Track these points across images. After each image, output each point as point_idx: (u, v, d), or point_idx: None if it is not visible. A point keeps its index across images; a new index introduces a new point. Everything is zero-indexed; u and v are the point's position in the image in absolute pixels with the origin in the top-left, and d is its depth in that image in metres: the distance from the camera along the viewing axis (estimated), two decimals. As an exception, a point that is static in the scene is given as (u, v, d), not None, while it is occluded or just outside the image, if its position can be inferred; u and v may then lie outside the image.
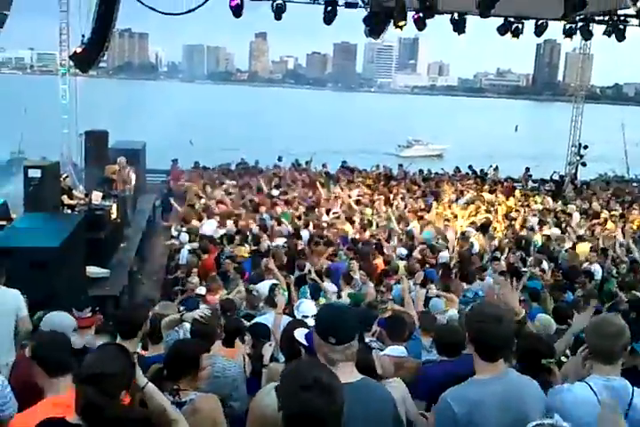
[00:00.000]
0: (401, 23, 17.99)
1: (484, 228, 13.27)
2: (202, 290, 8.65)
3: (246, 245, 11.09)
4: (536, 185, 21.23)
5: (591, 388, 2.88)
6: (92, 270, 9.62)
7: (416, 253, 10.95)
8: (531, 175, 22.75)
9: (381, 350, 4.66)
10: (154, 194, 18.07)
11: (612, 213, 16.05)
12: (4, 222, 11.10)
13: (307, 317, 5.76)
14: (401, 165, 22.27)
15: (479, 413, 2.70)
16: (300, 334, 4.57)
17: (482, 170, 22.71)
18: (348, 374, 2.61)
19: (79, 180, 16.16)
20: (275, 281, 8.14)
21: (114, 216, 11.76)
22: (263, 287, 7.92)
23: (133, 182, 14.81)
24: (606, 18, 18.57)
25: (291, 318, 5.44)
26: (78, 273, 8.89)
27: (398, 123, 76.40)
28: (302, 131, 60.98)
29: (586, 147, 24.22)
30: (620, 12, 18.02)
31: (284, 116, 77.69)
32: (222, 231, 12.08)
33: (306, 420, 2.04)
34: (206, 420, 3.33)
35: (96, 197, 12.04)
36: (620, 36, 18.70)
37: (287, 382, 2.14)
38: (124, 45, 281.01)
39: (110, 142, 17.18)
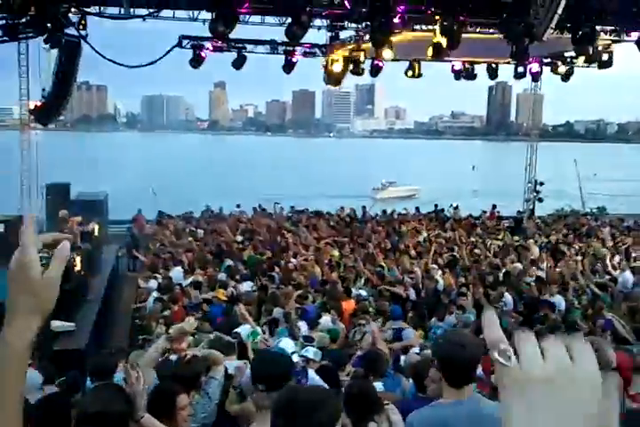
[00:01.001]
0: (358, 70, 18.72)
1: (450, 265, 13.47)
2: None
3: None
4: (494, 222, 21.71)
5: None
6: (57, 324, 9.39)
7: (384, 292, 11.05)
8: (499, 211, 23.35)
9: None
10: (117, 244, 17.88)
11: (572, 245, 16.50)
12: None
13: None
14: (364, 207, 22.58)
15: None
16: None
17: (442, 209, 23.16)
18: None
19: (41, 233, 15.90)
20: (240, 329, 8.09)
21: (78, 268, 11.57)
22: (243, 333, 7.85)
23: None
24: (554, 59, 19.59)
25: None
26: (43, 328, 8.67)
27: (363, 166, 77.78)
28: (267, 177, 61.47)
29: (542, 183, 25.03)
30: (566, 54, 19.02)
31: (248, 164, 78.29)
32: (190, 279, 12.01)
33: None
34: None
35: (59, 249, 11.85)
36: (567, 76, 19.71)
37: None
38: (83, 98, 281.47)
39: (72, 194, 17.09)
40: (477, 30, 15.82)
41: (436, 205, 23.91)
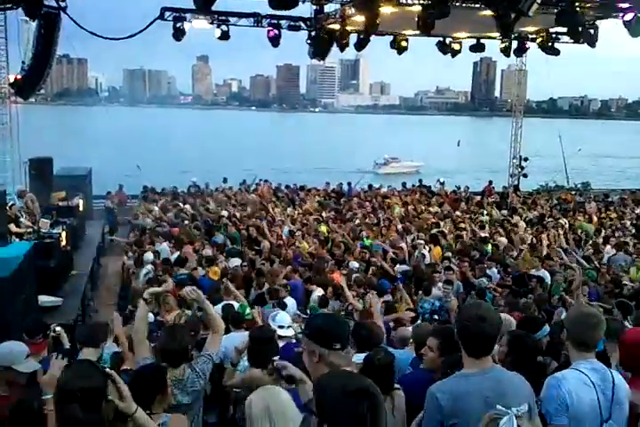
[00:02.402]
0: (343, 44, 18.50)
1: (435, 239, 13.55)
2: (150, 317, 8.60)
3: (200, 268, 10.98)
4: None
5: (582, 372, 3.23)
6: (44, 299, 9.35)
7: (373, 266, 11.11)
8: (493, 187, 23.56)
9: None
10: (102, 220, 17.75)
11: (557, 220, 16.66)
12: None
13: (283, 327, 5.88)
14: (349, 183, 22.56)
15: (463, 404, 2.86)
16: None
17: (428, 186, 23.19)
18: None
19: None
20: (231, 302, 8.12)
21: (63, 243, 11.50)
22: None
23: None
24: (539, 35, 19.47)
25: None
26: (30, 302, 8.64)
27: (356, 142, 77.40)
28: (254, 151, 61.04)
29: (526, 159, 25.18)
30: (551, 29, 18.91)
31: (232, 138, 77.60)
32: (176, 254, 11.97)
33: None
34: None
35: (44, 224, 11.75)
36: (553, 52, 19.63)
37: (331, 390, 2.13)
38: (63, 71, 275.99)
39: (55, 169, 16.85)
40: (464, 4, 15.65)
41: (420, 181, 24.02)
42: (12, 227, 11.45)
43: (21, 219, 12.07)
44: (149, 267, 10.89)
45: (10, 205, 12.26)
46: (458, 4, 15.38)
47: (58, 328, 5.44)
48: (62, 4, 15.95)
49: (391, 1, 15.29)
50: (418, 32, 17.10)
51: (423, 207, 18.37)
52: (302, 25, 19.15)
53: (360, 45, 19.07)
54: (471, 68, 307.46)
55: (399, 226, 14.94)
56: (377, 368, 4.02)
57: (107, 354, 5.58)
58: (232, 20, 18.46)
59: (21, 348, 4.25)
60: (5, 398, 3.83)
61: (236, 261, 11.59)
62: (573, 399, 3.13)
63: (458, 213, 17.78)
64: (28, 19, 18.11)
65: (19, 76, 18.62)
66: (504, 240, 14.06)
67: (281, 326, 5.89)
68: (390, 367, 4.16)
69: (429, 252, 12.70)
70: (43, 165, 16.32)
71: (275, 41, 18.53)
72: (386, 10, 15.55)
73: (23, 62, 18.88)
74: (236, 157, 53.23)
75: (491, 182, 24.11)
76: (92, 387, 2.57)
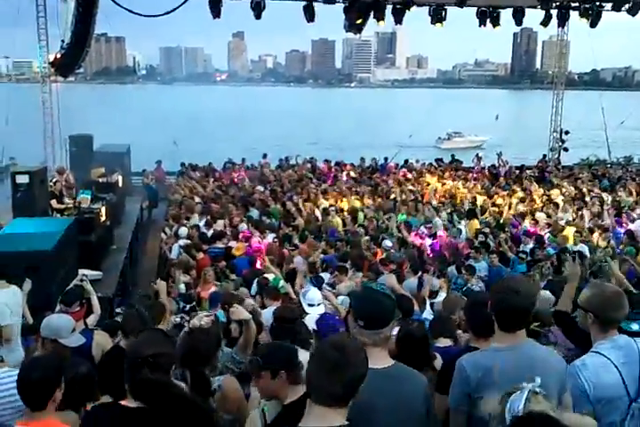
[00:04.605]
0: (380, 16, 18.15)
1: (471, 214, 13.40)
2: (181, 288, 8.83)
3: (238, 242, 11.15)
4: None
5: (602, 354, 3.11)
6: (85, 273, 9.60)
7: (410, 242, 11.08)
8: (546, 161, 23.17)
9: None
10: (141, 196, 18.03)
11: (599, 196, 16.25)
12: (-7, 228, 11.09)
13: (313, 305, 5.87)
14: (386, 158, 22.34)
15: (490, 377, 2.84)
16: (310, 319, 4.69)
17: (460, 161, 22.72)
18: (376, 359, 2.64)
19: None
20: (265, 275, 8.23)
21: (103, 219, 11.74)
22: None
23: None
24: (582, 4, 18.78)
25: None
26: (72, 276, 8.87)
27: (387, 116, 76.34)
28: (290, 128, 60.88)
29: (567, 132, 24.54)
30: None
31: (270, 114, 77.48)
32: (212, 229, 12.16)
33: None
34: (235, 402, 3.43)
35: (84, 200, 12.02)
36: (595, 22, 18.94)
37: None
38: (101, 50, 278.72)
39: (95, 146, 17.15)
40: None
41: (452, 156, 23.56)
42: (54, 203, 11.74)
43: (63, 196, 12.36)
44: (184, 241, 11.08)
45: (54, 181, 12.57)
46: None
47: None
48: (99, -18, 16.04)
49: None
50: (456, 2, 16.69)
51: (459, 183, 18.14)
52: (337, -2, 18.84)
53: (397, 17, 18.71)
54: (511, 40, 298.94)
55: (434, 201, 14.82)
56: (415, 340, 3.98)
57: None
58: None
59: (68, 323, 4.38)
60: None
61: (271, 237, 11.72)
62: (592, 386, 3.03)
63: (495, 188, 17.52)
64: (66, -1, 18.36)
65: (58, 55, 18.94)
66: (542, 215, 13.82)
67: (311, 304, 5.88)
68: (427, 338, 4.16)
69: (466, 227, 12.59)
70: (83, 141, 16.64)
71: (310, 15, 18.31)
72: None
73: (62, 41, 19.18)
74: (274, 133, 53.21)
75: (544, 156, 23.69)
76: (161, 353, 2.68)
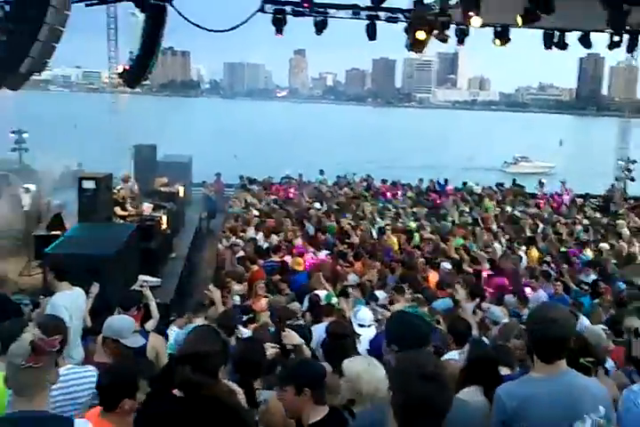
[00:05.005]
0: (443, 36, 18.07)
1: (532, 242, 13.04)
2: (236, 299, 8.85)
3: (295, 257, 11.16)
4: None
5: None
6: (144, 279, 9.80)
7: (466, 267, 10.84)
8: (612, 191, 22.45)
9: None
10: (200, 206, 18.39)
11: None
12: (58, 232, 11.48)
13: (363, 325, 5.78)
14: (446, 180, 22.06)
15: (528, 408, 2.77)
16: (364, 340, 4.63)
17: (523, 186, 22.20)
18: None
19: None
20: (319, 292, 8.17)
21: (164, 227, 12.02)
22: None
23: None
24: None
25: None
26: (131, 281, 9.08)
27: (447, 138, 75.63)
28: (348, 145, 61.11)
29: (634, 162, 23.74)
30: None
31: (328, 132, 78.03)
32: (267, 243, 12.24)
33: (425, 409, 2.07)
34: (279, 418, 3.40)
35: (147, 208, 12.33)
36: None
37: (405, 371, 2.15)
38: (167, 63, 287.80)
39: (158, 156, 17.63)
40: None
41: (514, 180, 23.11)
42: (118, 210, 12.08)
43: (126, 203, 12.71)
44: (239, 253, 11.18)
45: (119, 188, 12.96)
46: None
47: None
48: (169, -3, 16.59)
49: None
50: (521, 24, 16.42)
51: (519, 208, 17.75)
52: (401, 16, 18.92)
53: (460, 38, 18.60)
54: (576, 64, 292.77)
55: (494, 226, 14.51)
56: (485, 362, 3.80)
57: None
58: (331, 11, 18.52)
59: (130, 324, 4.48)
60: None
61: (324, 253, 11.71)
62: None
63: (558, 215, 17.04)
64: (136, 12, 19.08)
65: (126, 67, 19.66)
66: (606, 246, 13.33)
67: (361, 325, 5.79)
68: (497, 362, 4.04)
69: (526, 254, 12.25)
70: (147, 151, 17.14)
71: (372, 33, 18.42)
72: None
73: (131, 53, 19.92)
74: (332, 150, 53.56)
75: (613, 186, 22.98)
76: (206, 352, 2.69)
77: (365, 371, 3.01)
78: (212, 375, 2.70)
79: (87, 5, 17.93)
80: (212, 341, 2.82)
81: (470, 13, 14.86)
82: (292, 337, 4.22)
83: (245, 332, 5.81)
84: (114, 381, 3.05)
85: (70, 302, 5.72)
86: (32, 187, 12.42)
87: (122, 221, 11.80)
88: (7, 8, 10.56)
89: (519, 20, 14.84)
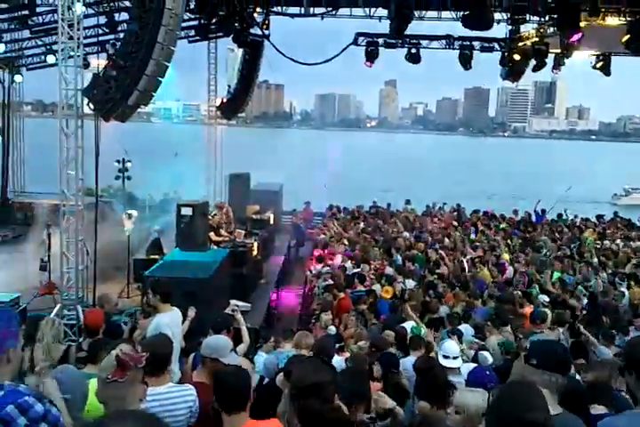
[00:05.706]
0: (541, 65, 17.72)
1: (635, 277, 12.26)
2: (332, 329, 8.79)
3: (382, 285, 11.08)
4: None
5: None
6: (237, 303, 10.04)
7: (574, 302, 10.33)
8: None
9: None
10: (289, 234, 18.71)
11: None
12: (156, 256, 12.05)
13: (448, 357, 5.66)
14: (543, 210, 21.22)
15: None
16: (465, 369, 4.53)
17: (627, 218, 21.01)
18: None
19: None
20: (406, 324, 8.03)
21: (254, 253, 12.30)
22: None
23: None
24: None
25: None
26: (223, 304, 9.33)
27: (548, 167, 73.31)
28: (438, 174, 60.45)
29: None
30: None
31: (419, 161, 77.70)
32: (355, 271, 12.22)
33: None
34: None
35: (239, 235, 12.70)
36: None
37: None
38: (262, 96, 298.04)
39: (251, 184, 18.19)
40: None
41: (615, 212, 21.93)
42: (212, 235, 12.52)
43: (221, 229, 13.16)
44: (329, 281, 11.22)
45: (213, 214, 13.45)
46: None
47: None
48: (266, 33, 17.34)
49: (595, 17, 14.26)
50: (625, 51, 15.82)
51: (621, 242, 16.79)
52: (495, 46, 18.73)
53: (557, 66, 18.15)
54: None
55: (594, 260, 13.79)
56: (579, 397, 3.63)
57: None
58: (423, 42, 18.63)
59: (227, 343, 4.62)
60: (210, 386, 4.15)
61: (412, 283, 11.54)
62: None
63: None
64: (233, 47, 20.04)
65: (224, 100, 20.61)
66: None
67: (446, 356, 5.67)
68: (587, 397, 3.83)
69: (629, 290, 11.52)
70: (241, 179, 17.73)
71: (466, 63, 18.33)
72: (587, 26, 14.58)
73: (229, 86, 20.90)
74: (422, 178, 53.21)
75: None
76: (326, 381, 2.73)
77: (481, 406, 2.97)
78: (331, 403, 2.75)
79: (190, 42, 19.11)
80: (326, 370, 2.87)
81: (569, 42, 14.55)
82: (384, 402, 4.13)
83: (337, 360, 5.80)
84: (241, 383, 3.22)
85: (171, 322, 5.99)
86: (134, 213, 13.12)
87: (215, 247, 12.21)
88: (118, 45, 11.44)
89: (622, 46, 14.34)
